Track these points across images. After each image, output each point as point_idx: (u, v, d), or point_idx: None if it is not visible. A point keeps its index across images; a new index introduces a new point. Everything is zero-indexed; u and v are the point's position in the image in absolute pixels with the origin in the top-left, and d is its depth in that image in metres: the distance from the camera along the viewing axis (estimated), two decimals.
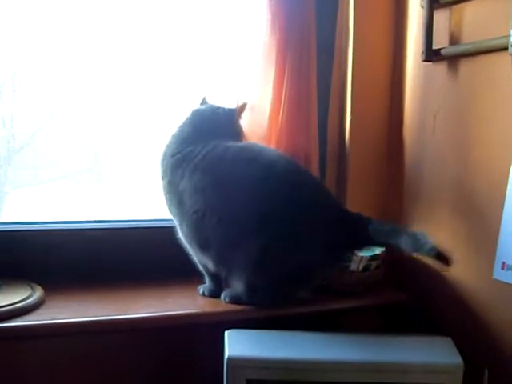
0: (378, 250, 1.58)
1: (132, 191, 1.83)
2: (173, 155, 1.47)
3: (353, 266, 1.53)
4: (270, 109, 1.57)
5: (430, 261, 1.54)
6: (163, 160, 1.50)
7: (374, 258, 1.55)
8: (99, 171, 1.86)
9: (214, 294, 1.47)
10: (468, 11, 1.44)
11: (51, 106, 1.72)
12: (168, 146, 1.50)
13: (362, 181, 1.62)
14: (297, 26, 1.55)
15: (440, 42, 1.50)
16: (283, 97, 1.56)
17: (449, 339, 1.35)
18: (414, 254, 1.45)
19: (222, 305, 1.42)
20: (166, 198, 1.48)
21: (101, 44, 1.70)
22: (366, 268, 1.54)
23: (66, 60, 1.68)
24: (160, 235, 1.51)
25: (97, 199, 1.84)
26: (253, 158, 1.41)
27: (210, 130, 1.49)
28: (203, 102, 1.56)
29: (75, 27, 1.66)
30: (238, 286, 1.43)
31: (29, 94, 1.71)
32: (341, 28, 1.67)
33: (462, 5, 1.45)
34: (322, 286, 1.51)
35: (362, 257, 1.53)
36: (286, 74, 1.55)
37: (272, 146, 1.56)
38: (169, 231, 1.48)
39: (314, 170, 1.59)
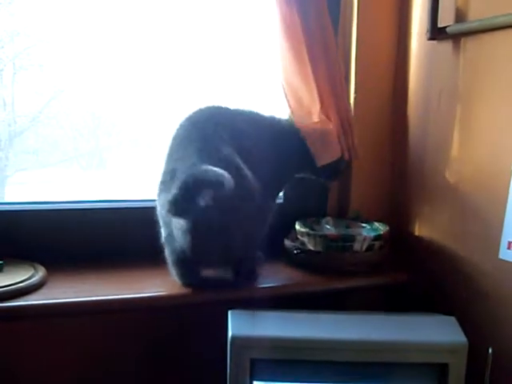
0: (382, 230, 1.57)
1: (134, 174, 1.82)
2: None
3: (356, 246, 1.52)
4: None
5: (434, 239, 1.54)
6: None
7: (377, 237, 1.54)
8: (101, 154, 1.86)
9: None
10: None
11: (52, 89, 1.71)
12: None
13: (366, 158, 1.61)
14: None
15: (445, 19, 1.48)
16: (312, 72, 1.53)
17: (453, 318, 1.34)
18: None
19: None
20: None
21: (104, 28, 1.68)
22: (369, 248, 1.54)
23: (68, 42, 1.67)
24: None
25: (99, 182, 1.83)
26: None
27: None
28: None
29: (78, 10, 1.64)
30: None
31: (30, 76, 1.70)
32: (344, 6, 1.65)
33: None
34: (325, 266, 1.51)
35: (365, 237, 1.53)
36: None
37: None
38: None
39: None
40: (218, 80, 1.72)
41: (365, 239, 1.52)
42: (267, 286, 1.43)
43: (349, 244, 1.52)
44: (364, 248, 1.53)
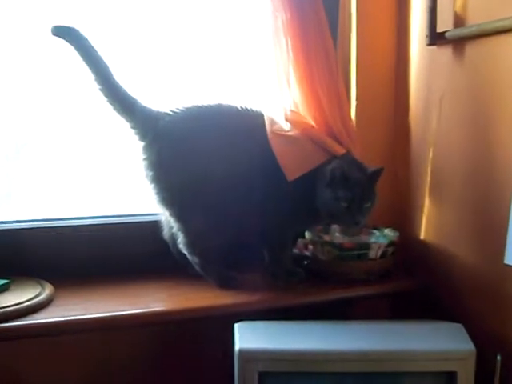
0: (393, 236, 1.57)
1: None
2: None
3: (372, 254, 1.52)
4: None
5: (439, 246, 1.54)
6: None
7: (390, 244, 1.54)
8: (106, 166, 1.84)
9: None
10: None
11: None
12: None
13: (368, 165, 1.58)
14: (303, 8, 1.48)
15: (444, 25, 1.47)
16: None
17: (460, 326, 1.34)
18: None
19: (230, 297, 1.41)
20: None
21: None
22: (383, 255, 1.53)
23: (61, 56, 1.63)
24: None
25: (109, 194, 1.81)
26: None
27: None
28: None
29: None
30: None
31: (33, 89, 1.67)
32: (343, 13, 1.64)
33: None
34: (338, 274, 1.51)
35: (380, 244, 1.52)
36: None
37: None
38: None
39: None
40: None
41: (379, 247, 1.52)
42: (273, 297, 1.43)
43: (364, 252, 1.51)
44: (379, 255, 1.53)
